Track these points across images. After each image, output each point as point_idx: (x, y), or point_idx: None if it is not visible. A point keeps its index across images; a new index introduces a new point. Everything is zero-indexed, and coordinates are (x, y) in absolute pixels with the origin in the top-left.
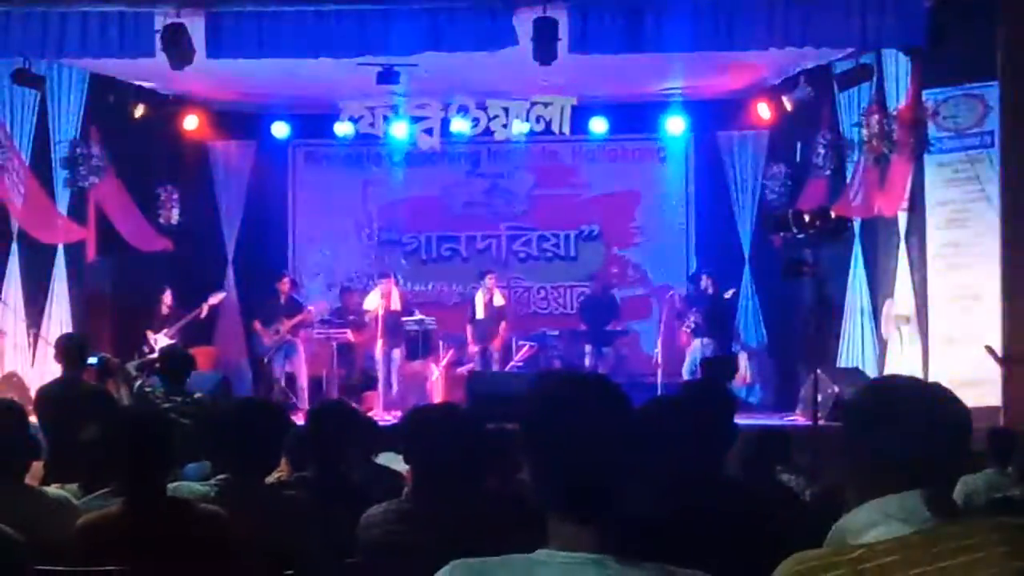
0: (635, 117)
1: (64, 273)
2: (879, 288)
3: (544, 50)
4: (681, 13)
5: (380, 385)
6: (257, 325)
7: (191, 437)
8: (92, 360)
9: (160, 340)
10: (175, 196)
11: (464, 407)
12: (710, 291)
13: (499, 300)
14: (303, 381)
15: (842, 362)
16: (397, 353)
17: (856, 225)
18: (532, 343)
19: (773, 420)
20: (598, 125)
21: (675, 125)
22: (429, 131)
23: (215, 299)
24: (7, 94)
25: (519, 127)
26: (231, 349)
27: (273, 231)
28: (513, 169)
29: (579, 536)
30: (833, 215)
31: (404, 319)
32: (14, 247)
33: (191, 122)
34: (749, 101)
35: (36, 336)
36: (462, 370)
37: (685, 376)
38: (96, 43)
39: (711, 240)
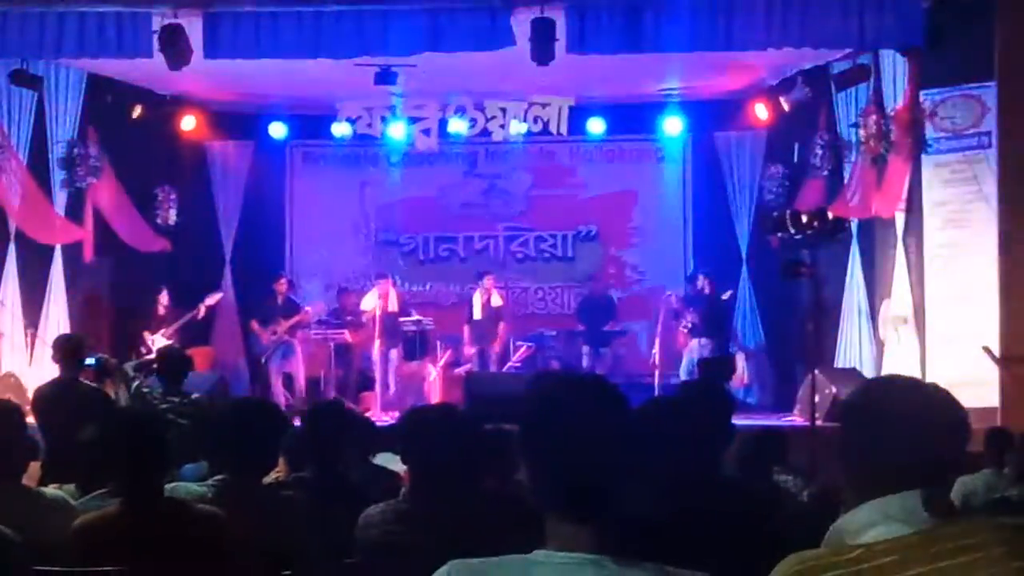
0: (633, 118)
1: (62, 273)
2: (877, 288)
3: (542, 50)
4: (679, 13)
5: (377, 386)
6: (255, 325)
7: (188, 437)
8: (90, 361)
9: (158, 340)
10: (173, 196)
11: (462, 408)
12: (706, 291)
13: (497, 301)
14: (301, 381)
15: (840, 363)
16: (394, 354)
17: (854, 226)
18: (530, 344)
19: (771, 421)
20: (596, 126)
21: (673, 126)
22: (427, 131)
23: (212, 300)
24: (4, 94)
25: (517, 127)
26: (228, 349)
27: (270, 231)
28: (511, 170)
29: (577, 536)
30: (831, 216)
31: (401, 320)
32: (11, 247)
33: (189, 123)
34: (747, 102)
35: (34, 336)
36: (460, 371)
37: (683, 376)
38: (94, 43)
39: (709, 241)
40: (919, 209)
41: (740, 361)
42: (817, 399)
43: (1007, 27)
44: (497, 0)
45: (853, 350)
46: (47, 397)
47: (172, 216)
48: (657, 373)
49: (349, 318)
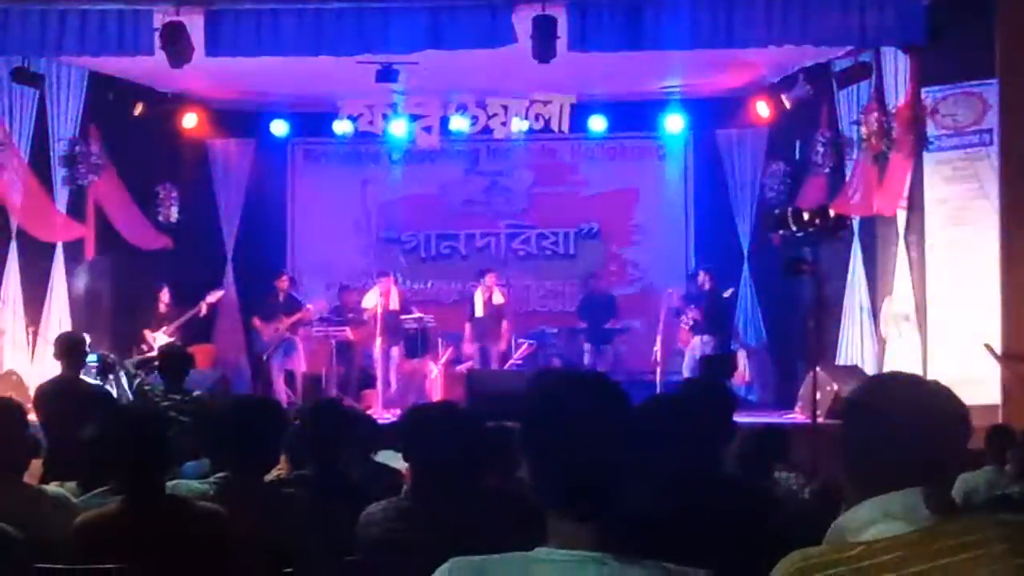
0: (634, 115)
1: (63, 271)
2: (878, 286)
3: (543, 48)
4: (680, 11)
5: (379, 383)
6: (257, 322)
7: (190, 435)
8: (91, 358)
9: (159, 338)
10: (174, 194)
11: (463, 405)
12: (706, 287)
13: (499, 298)
14: (302, 379)
15: (841, 360)
16: (396, 351)
17: (855, 223)
18: (531, 341)
19: (772, 418)
20: (597, 123)
21: (674, 123)
22: (428, 129)
23: (213, 297)
24: (6, 92)
25: (518, 125)
26: (230, 347)
27: (272, 229)
28: (512, 167)
29: (578, 534)
30: (832, 213)
31: (403, 317)
32: (13, 245)
33: (190, 120)
34: (748, 99)
35: (35, 334)
36: (461, 368)
37: (685, 374)
38: (95, 41)
39: (710, 238)
40: (920, 206)
41: (741, 358)
42: (818, 396)
43: (1008, 24)
44: None
45: (855, 347)
46: (48, 395)
47: (173, 214)
48: (659, 370)
49: (351, 315)
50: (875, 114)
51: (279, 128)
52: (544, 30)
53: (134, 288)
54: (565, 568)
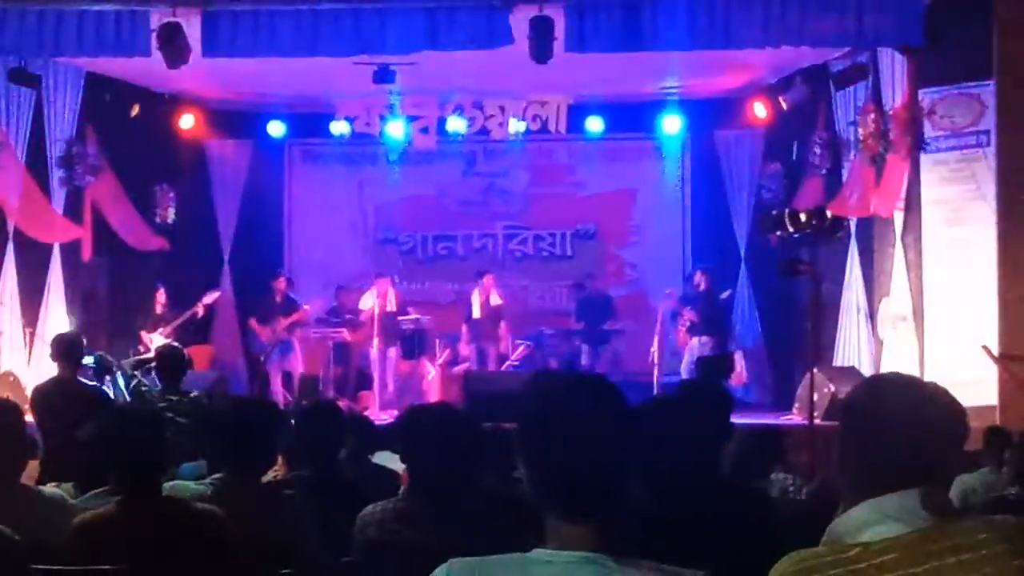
0: (631, 116)
1: (60, 272)
2: (875, 287)
3: (541, 49)
4: (677, 12)
5: (376, 384)
6: (254, 323)
7: (187, 436)
8: (88, 359)
9: (156, 339)
10: (171, 195)
11: (460, 406)
12: (702, 287)
13: (496, 300)
14: (299, 380)
15: (838, 361)
16: (393, 352)
17: (852, 224)
18: (528, 342)
19: (769, 419)
20: (594, 124)
21: (671, 124)
22: (425, 130)
23: (210, 298)
24: (3, 93)
25: (515, 126)
26: (227, 348)
27: (269, 230)
28: (509, 168)
29: (576, 535)
30: (829, 214)
31: (400, 318)
32: (10, 246)
33: (187, 121)
34: (745, 100)
35: (32, 335)
36: (458, 369)
37: (683, 375)
38: (92, 42)
39: (707, 239)
40: (918, 207)
41: (739, 360)
42: (816, 398)
43: (1005, 25)
44: None
45: (852, 349)
46: (45, 396)
47: (171, 215)
48: (656, 371)
49: (348, 316)
50: (872, 115)
51: (276, 129)
52: (541, 31)
53: (131, 289)
54: (563, 569)
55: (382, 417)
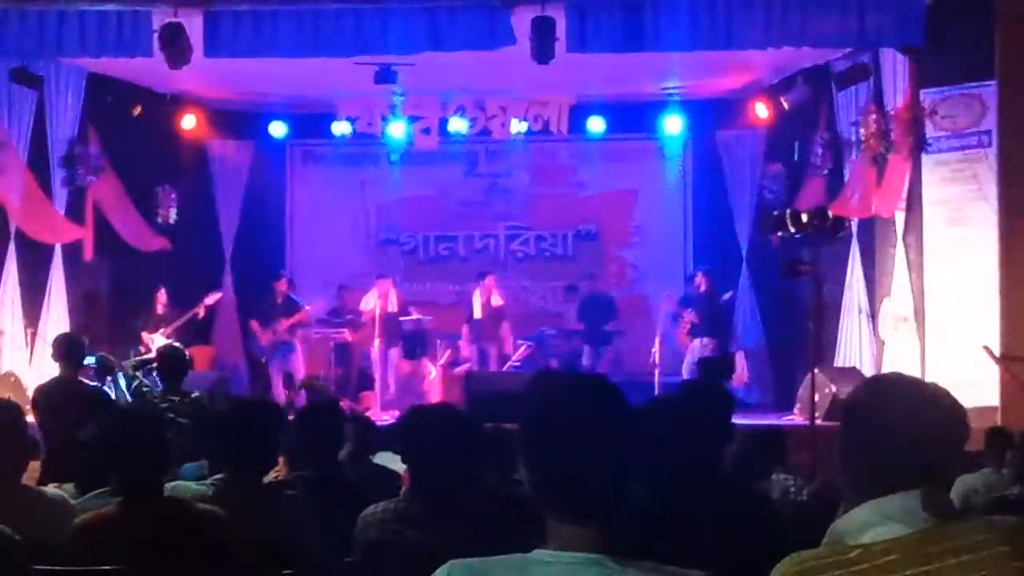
0: (633, 116)
1: (62, 272)
2: (877, 287)
3: (542, 49)
4: (679, 13)
5: (377, 385)
6: (254, 325)
7: (188, 436)
8: (89, 359)
9: (157, 339)
10: (173, 195)
11: (461, 407)
12: (703, 288)
13: (497, 300)
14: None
15: (840, 362)
16: (394, 353)
17: (854, 224)
18: (530, 343)
19: (771, 420)
20: (596, 124)
21: (673, 124)
22: (427, 130)
23: (211, 299)
24: (5, 93)
25: (517, 126)
26: (228, 348)
27: (270, 230)
28: (511, 169)
29: (577, 536)
30: (831, 215)
31: (401, 319)
32: (12, 246)
33: (189, 121)
34: (747, 101)
35: (33, 335)
36: (459, 370)
37: (685, 376)
38: (94, 42)
39: (709, 239)
40: (919, 208)
41: (740, 360)
42: (817, 398)
43: (1007, 26)
44: None
45: (853, 349)
46: (47, 396)
47: (172, 215)
48: (657, 372)
49: (349, 317)
50: (874, 115)
51: (278, 129)
52: (543, 31)
53: (133, 289)
54: (564, 570)
55: (383, 417)
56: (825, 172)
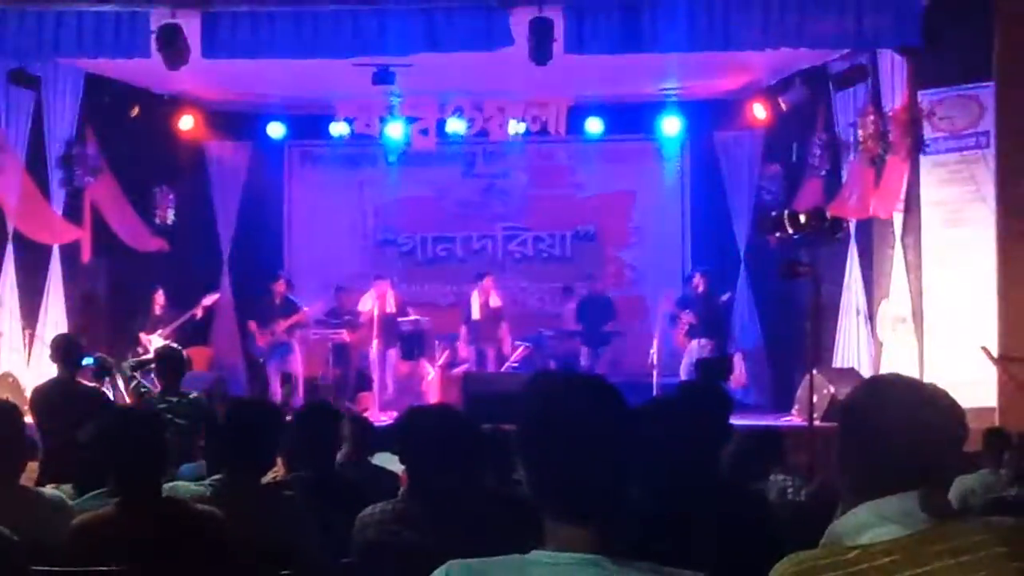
0: (631, 117)
1: (60, 273)
2: (875, 288)
3: (540, 50)
4: (677, 14)
5: (375, 385)
6: (252, 326)
7: (186, 437)
8: (87, 360)
9: (154, 340)
10: (170, 196)
11: (459, 408)
12: (700, 289)
13: (495, 301)
14: (299, 381)
15: (838, 363)
16: (392, 353)
17: (852, 226)
18: (528, 344)
19: (769, 421)
20: (594, 125)
21: (671, 125)
22: (425, 131)
23: (209, 300)
24: (3, 94)
25: (515, 127)
26: (226, 349)
27: (268, 231)
28: (509, 169)
29: (575, 537)
30: (829, 215)
31: (399, 319)
32: (9, 247)
33: (187, 122)
34: (745, 101)
35: (31, 336)
36: (457, 371)
37: (683, 376)
38: (91, 43)
39: (707, 240)
40: (917, 209)
41: (738, 361)
42: (815, 399)
43: (1005, 27)
44: (495, 0)
45: (851, 350)
46: (45, 397)
47: (170, 216)
48: (655, 373)
49: (347, 317)
50: (871, 117)
51: (275, 130)
52: (541, 32)
53: (130, 290)
54: (562, 571)
55: (381, 418)
56: (823, 173)
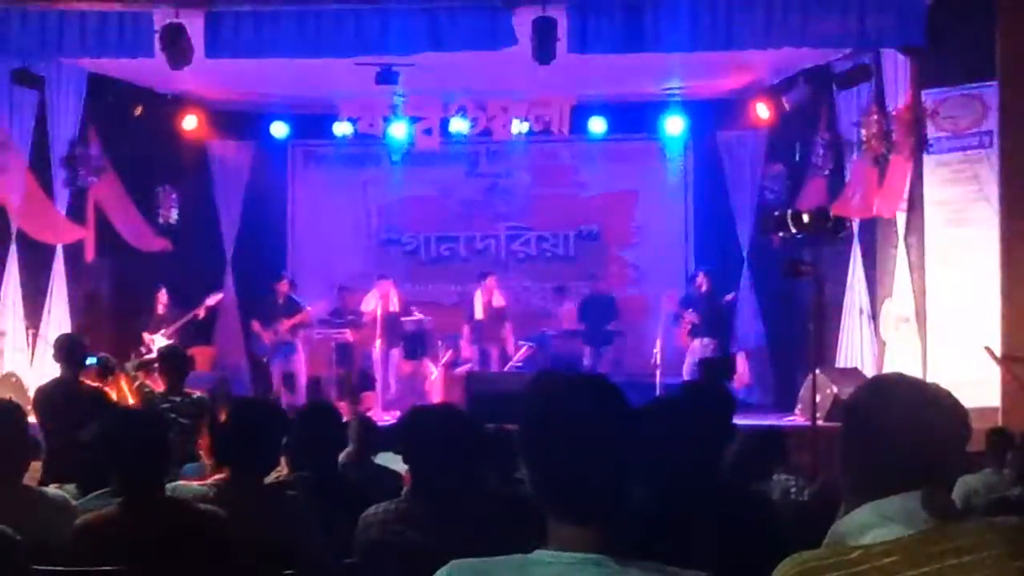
0: (634, 117)
1: (63, 273)
2: (878, 288)
3: (543, 50)
4: (679, 13)
5: (378, 385)
6: (256, 325)
7: (190, 436)
8: (91, 360)
9: (157, 340)
10: (174, 196)
11: (463, 407)
12: (704, 288)
13: (498, 300)
14: (302, 381)
15: (841, 362)
16: (395, 353)
17: (855, 225)
18: (531, 343)
19: (772, 421)
20: (597, 125)
21: (674, 125)
22: (428, 131)
23: (213, 300)
24: (6, 94)
25: (518, 127)
26: (230, 349)
27: (272, 231)
28: (512, 169)
29: (577, 536)
30: (832, 215)
31: (403, 319)
32: (13, 247)
33: (190, 122)
34: (748, 101)
35: (35, 336)
36: (460, 370)
37: (686, 376)
38: (95, 43)
39: (710, 240)
40: (920, 208)
41: (741, 361)
42: (818, 399)
43: (1008, 26)
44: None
45: (854, 350)
46: (48, 396)
47: (173, 215)
48: (658, 373)
49: (350, 317)
50: (875, 116)
51: (279, 130)
52: (544, 32)
53: (134, 290)
54: (564, 570)
55: (385, 418)
56: (826, 172)
